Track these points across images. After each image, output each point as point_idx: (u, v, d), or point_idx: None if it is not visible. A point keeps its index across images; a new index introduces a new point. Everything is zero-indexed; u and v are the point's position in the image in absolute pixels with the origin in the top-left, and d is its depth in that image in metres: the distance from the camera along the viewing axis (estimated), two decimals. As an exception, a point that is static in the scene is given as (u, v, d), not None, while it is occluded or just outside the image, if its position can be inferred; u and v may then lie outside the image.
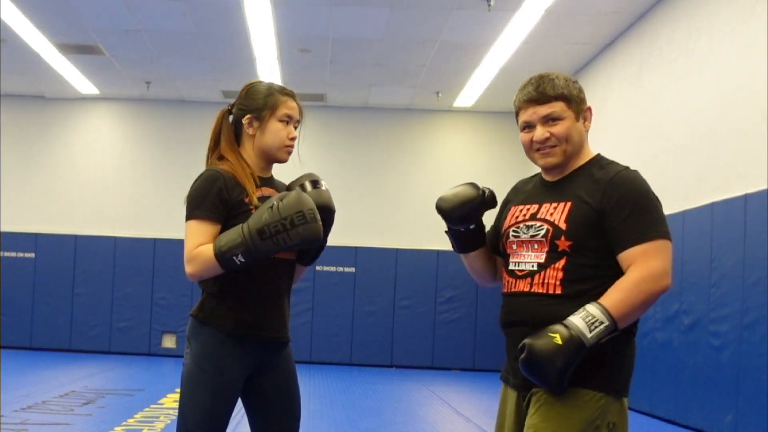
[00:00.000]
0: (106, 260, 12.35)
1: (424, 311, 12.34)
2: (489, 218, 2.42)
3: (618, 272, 2.23)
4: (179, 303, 12.10)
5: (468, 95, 11.85)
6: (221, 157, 2.64)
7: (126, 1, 8.66)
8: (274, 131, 2.62)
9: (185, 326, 12.73)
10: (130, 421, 6.40)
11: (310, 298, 12.08)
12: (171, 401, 7.55)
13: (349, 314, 12.33)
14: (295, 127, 2.67)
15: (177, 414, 2.58)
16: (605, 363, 2.21)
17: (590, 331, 2.12)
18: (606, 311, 2.14)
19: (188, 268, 2.50)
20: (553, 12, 8.44)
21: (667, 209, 7.72)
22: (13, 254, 12.33)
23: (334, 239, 2.85)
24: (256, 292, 2.57)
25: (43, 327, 12.26)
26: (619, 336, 2.20)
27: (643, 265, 2.17)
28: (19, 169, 12.61)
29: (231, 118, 2.69)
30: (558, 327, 2.15)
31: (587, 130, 2.37)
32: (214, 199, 2.52)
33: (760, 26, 6.32)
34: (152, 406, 7.25)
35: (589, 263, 2.24)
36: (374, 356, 12.28)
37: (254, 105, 2.63)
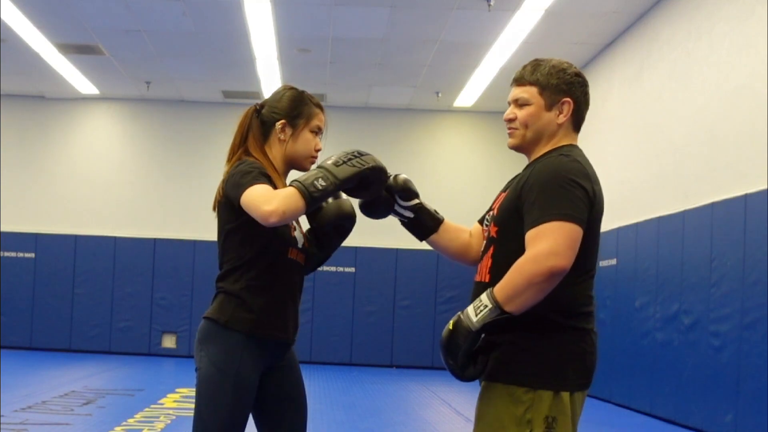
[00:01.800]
0: (106, 260, 12.35)
1: (424, 311, 12.33)
2: (477, 207, 2.42)
3: None
4: (179, 303, 12.11)
5: (468, 95, 11.85)
6: (248, 154, 2.61)
7: (126, 1, 8.67)
8: (306, 141, 2.66)
9: (185, 326, 12.55)
10: (130, 421, 6.40)
11: (310, 298, 12.07)
12: (171, 401, 7.56)
13: (349, 314, 12.33)
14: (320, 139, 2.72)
15: (193, 419, 2.51)
16: (535, 359, 2.20)
17: (476, 315, 2.19)
18: (491, 295, 2.17)
19: (268, 207, 2.32)
20: (553, 12, 8.44)
21: (667, 209, 7.72)
22: (13, 254, 12.34)
23: (333, 239, 2.85)
24: (277, 292, 2.56)
25: (43, 327, 12.26)
26: (558, 330, 2.20)
27: (531, 249, 2.15)
28: (19, 169, 12.62)
29: (258, 117, 2.66)
30: (457, 315, 2.25)
31: (561, 123, 2.33)
32: (263, 171, 2.50)
33: (760, 26, 6.32)
34: (152, 406, 7.25)
35: (516, 250, 2.22)
36: (374, 356, 12.29)
37: (289, 112, 2.64)
